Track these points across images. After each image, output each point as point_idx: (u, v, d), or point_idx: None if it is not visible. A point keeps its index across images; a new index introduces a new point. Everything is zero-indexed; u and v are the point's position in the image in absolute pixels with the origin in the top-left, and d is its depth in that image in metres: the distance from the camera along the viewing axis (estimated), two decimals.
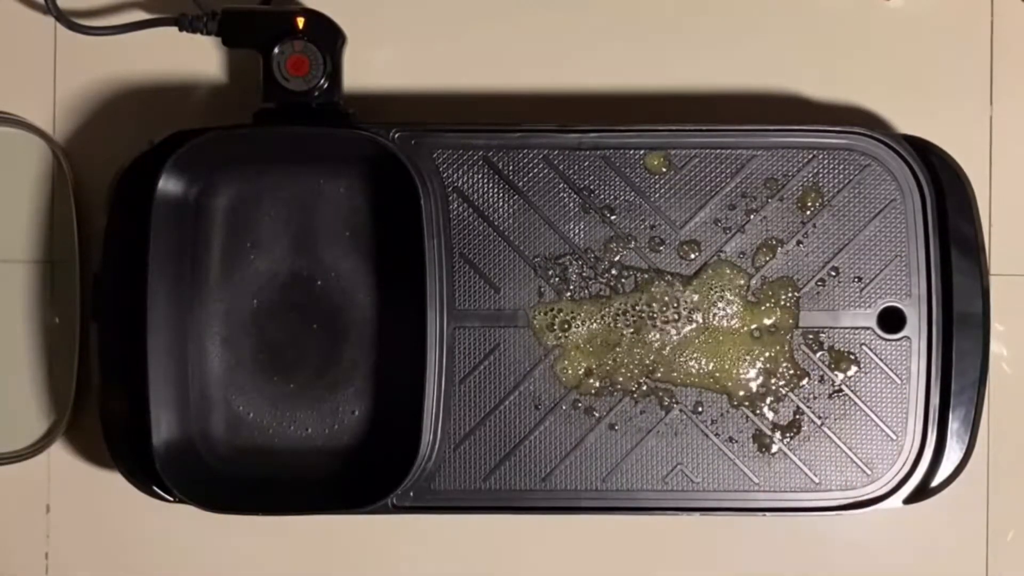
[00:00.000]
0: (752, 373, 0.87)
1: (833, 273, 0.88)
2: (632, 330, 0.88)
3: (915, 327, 0.87)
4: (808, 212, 0.88)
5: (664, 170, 0.88)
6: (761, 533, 0.93)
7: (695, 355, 0.88)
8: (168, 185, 0.85)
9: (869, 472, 0.87)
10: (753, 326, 0.88)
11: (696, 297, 0.88)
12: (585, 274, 0.88)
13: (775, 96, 0.93)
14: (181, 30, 0.89)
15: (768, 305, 0.88)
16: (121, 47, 0.92)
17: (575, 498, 0.87)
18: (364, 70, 0.93)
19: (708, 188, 0.88)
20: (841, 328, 0.87)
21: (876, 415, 0.87)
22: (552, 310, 0.88)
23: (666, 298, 0.88)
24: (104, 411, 0.86)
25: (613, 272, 0.88)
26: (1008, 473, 0.93)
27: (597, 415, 0.87)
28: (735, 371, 0.87)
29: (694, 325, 0.88)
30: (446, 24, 0.94)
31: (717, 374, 0.88)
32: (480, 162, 0.87)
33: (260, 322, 0.89)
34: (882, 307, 0.87)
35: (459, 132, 0.87)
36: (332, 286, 0.89)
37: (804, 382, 0.87)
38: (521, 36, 0.94)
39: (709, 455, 0.87)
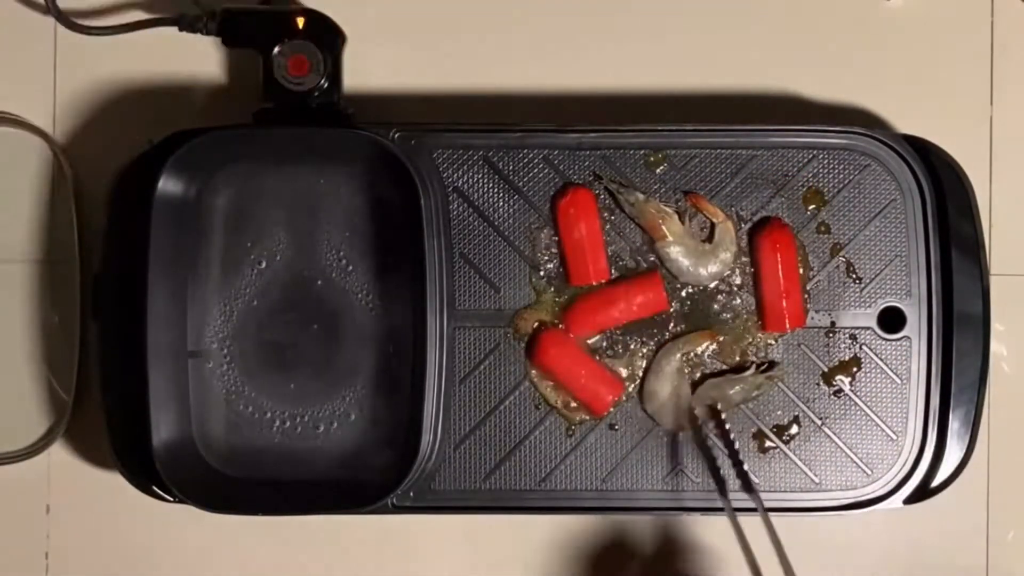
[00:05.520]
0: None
1: (833, 273, 0.88)
2: (632, 329, 0.88)
3: (915, 327, 0.87)
4: (808, 212, 0.88)
5: (664, 170, 0.88)
6: (761, 533, 0.93)
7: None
8: (168, 185, 0.85)
9: (869, 472, 0.87)
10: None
11: (696, 295, 0.88)
12: None
13: (775, 96, 0.93)
14: (181, 30, 0.89)
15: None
16: (121, 47, 0.92)
17: (575, 498, 0.87)
18: (364, 70, 0.93)
19: (708, 188, 0.88)
20: (841, 328, 0.87)
21: (876, 415, 0.87)
22: (552, 310, 0.88)
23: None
24: (104, 411, 0.86)
25: (613, 272, 0.88)
26: (1008, 473, 0.93)
27: None
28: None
29: (694, 324, 0.88)
30: (446, 24, 0.94)
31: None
32: (480, 162, 0.87)
33: (260, 322, 0.89)
34: (882, 307, 0.87)
35: (459, 132, 0.87)
36: (332, 286, 0.89)
37: (804, 382, 0.87)
38: (521, 36, 0.94)
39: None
